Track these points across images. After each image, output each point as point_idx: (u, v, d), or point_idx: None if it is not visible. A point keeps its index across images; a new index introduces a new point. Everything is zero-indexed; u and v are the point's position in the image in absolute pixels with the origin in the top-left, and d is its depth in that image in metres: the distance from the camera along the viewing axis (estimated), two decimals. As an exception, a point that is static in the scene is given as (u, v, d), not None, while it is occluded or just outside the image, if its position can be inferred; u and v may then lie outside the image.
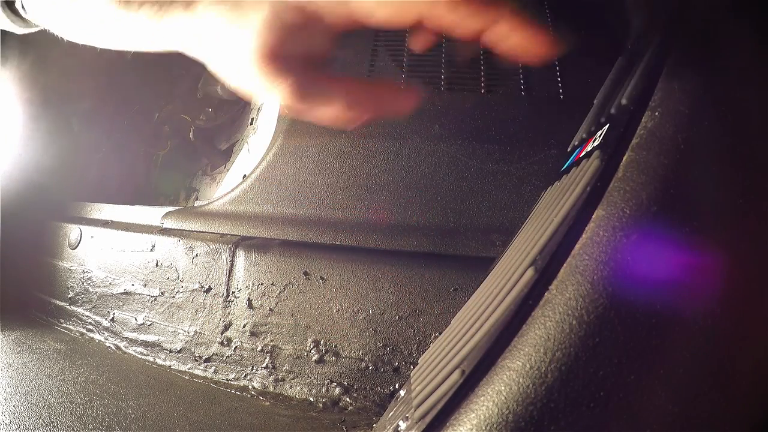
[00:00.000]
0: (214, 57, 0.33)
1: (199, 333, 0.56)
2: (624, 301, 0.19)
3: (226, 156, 0.82)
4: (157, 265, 0.60)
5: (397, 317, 0.47)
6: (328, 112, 0.31)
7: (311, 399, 0.49)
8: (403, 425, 0.24)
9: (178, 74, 0.90)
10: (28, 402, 0.45)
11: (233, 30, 0.31)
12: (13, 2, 0.41)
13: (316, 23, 0.30)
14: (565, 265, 0.20)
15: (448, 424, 0.20)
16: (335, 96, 0.30)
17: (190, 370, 0.55)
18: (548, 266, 0.21)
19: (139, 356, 0.59)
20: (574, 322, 0.19)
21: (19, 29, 0.45)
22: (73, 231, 0.72)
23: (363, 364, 0.48)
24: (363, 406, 0.47)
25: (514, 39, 0.27)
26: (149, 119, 0.92)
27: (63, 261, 0.72)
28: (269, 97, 0.32)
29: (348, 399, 0.47)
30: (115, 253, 0.65)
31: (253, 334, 0.52)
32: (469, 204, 0.46)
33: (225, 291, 0.55)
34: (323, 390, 0.48)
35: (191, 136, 0.85)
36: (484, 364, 0.21)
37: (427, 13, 0.27)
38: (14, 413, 0.42)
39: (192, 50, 0.34)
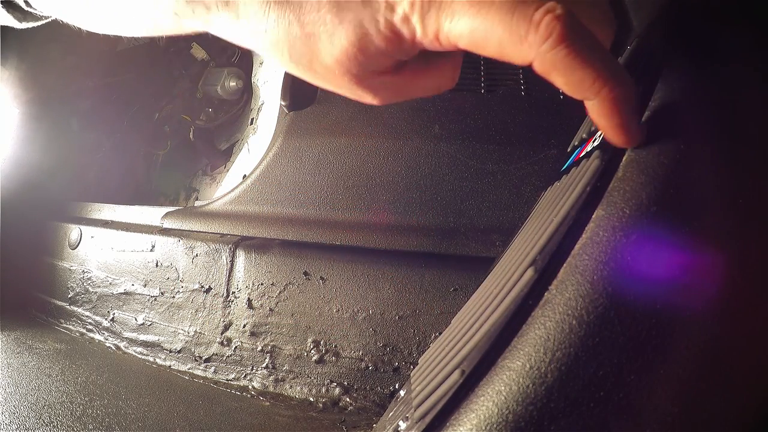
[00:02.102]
0: (269, 55, 0.31)
1: (199, 333, 0.56)
2: (624, 301, 0.19)
3: (226, 156, 0.83)
4: (157, 265, 0.60)
5: (397, 317, 0.47)
6: (424, 96, 0.31)
7: (311, 399, 0.49)
8: (403, 425, 0.24)
9: (178, 74, 0.90)
10: (28, 402, 0.45)
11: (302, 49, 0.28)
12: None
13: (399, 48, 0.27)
14: (565, 265, 0.20)
15: (448, 424, 0.20)
16: (422, 90, 0.31)
17: (190, 370, 0.55)
18: (548, 266, 0.21)
19: (139, 356, 0.59)
20: (574, 322, 0.19)
21: (18, 24, 0.44)
22: (73, 231, 0.72)
23: (363, 364, 0.48)
24: (363, 406, 0.47)
25: None
26: (149, 119, 0.92)
27: (63, 261, 0.72)
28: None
29: (348, 399, 0.47)
30: (115, 253, 0.65)
31: (253, 334, 0.53)
32: (469, 204, 0.46)
33: (225, 291, 0.55)
34: (323, 390, 0.48)
35: (191, 136, 0.85)
36: (484, 364, 0.21)
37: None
38: (14, 413, 0.42)
39: (240, 43, 0.31)
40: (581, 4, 0.25)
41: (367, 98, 0.31)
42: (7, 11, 0.41)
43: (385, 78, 0.29)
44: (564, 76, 0.22)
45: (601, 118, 0.22)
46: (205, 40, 0.87)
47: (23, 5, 0.41)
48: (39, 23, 0.44)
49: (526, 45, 0.22)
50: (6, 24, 0.43)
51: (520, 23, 0.21)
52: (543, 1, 0.21)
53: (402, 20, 0.25)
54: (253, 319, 0.53)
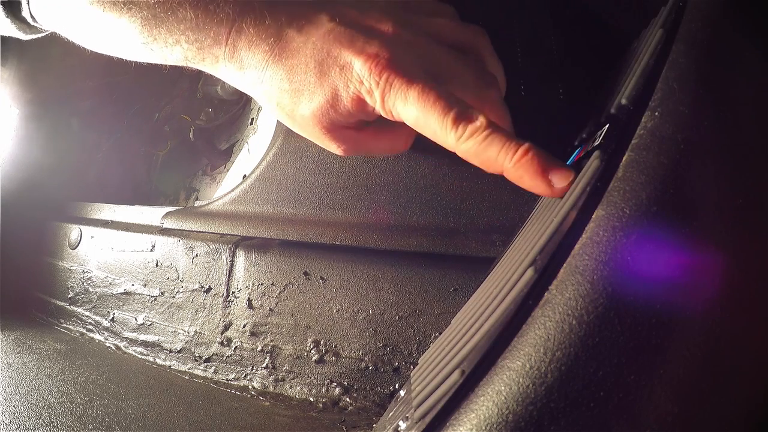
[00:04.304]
0: (260, 101, 0.38)
1: (199, 333, 0.56)
2: (624, 301, 0.19)
3: (226, 156, 0.83)
4: (157, 265, 0.60)
5: (397, 317, 0.47)
6: (380, 154, 0.40)
7: (311, 399, 0.49)
8: (403, 425, 0.24)
9: (178, 74, 0.90)
10: (28, 402, 0.45)
11: (288, 98, 0.35)
12: (20, 10, 0.41)
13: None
14: (565, 265, 0.20)
15: (448, 424, 0.20)
16: (380, 148, 0.39)
17: (190, 370, 0.55)
18: (548, 266, 0.21)
19: (139, 356, 0.59)
20: (574, 322, 0.19)
21: (25, 36, 0.45)
22: (73, 231, 0.72)
23: (363, 364, 0.48)
24: (363, 406, 0.47)
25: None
26: (149, 119, 0.92)
27: (63, 261, 0.72)
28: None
29: (348, 399, 0.47)
30: (115, 253, 0.65)
31: (253, 334, 0.53)
32: (469, 204, 0.46)
33: (225, 291, 0.55)
34: (323, 390, 0.48)
35: (191, 136, 0.85)
36: (484, 364, 0.21)
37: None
38: (14, 413, 0.42)
39: (239, 88, 0.37)
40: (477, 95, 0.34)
41: (333, 147, 0.37)
42: (13, 23, 0.42)
43: (350, 133, 0.36)
44: (476, 160, 0.30)
45: (520, 180, 0.29)
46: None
47: (30, 20, 0.41)
48: (42, 35, 0.45)
49: (450, 138, 0.30)
50: (12, 35, 0.44)
51: (447, 124, 0.30)
52: (466, 109, 0.30)
53: (367, 92, 0.33)
54: (253, 319, 0.53)
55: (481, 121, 0.30)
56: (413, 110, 0.31)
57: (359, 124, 0.36)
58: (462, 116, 0.30)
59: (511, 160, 0.28)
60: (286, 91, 0.35)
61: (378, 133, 0.38)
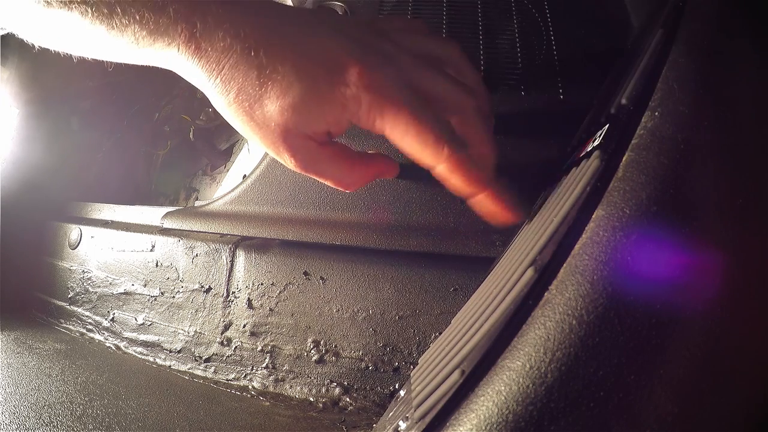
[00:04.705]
0: (216, 102, 0.33)
1: (199, 333, 0.56)
2: (624, 301, 0.19)
3: (226, 156, 0.83)
4: (157, 265, 0.60)
5: (397, 317, 0.47)
6: (327, 182, 0.36)
7: (311, 399, 0.49)
8: (403, 425, 0.24)
9: (178, 74, 0.90)
10: (28, 402, 0.45)
11: (251, 92, 0.31)
12: None
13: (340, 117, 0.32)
14: (565, 265, 0.20)
15: (448, 424, 0.20)
16: (332, 174, 0.35)
17: (190, 370, 0.55)
18: (548, 266, 0.21)
19: (139, 356, 0.59)
20: (574, 322, 0.19)
21: None
22: (73, 231, 0.72)
23: (363, 364, 0.48)
24: (363, 406, 0.47)
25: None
26: (149, 119, 0.92)
27: (63, 261, 0.72)
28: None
29: (348, 399, 0.47)
30: (115, 253, 0.65)
31: (253, 334, 0.53)
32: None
33: (225, 291, 0.55)
34: (323, 390, 0.48)
35: (191, 136, 0.85)
36: (484, 364, 0.21)
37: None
38: (14, 413, 0.42)
39: (191, 80, 0.33)
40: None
41: (284, 156, 0.33)
42: None
43: (310, 143, 0.33)
44: (451, 180, 0.33)
45: (484, 209, 0.34)
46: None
47: None
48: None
49: (431, 160, 0.32)
50: None
51: (431, 151, 0.32)
52: (445, 139, 0.32)
53: (353, 98, 0.31)
54: (253, 319, 0.53)
55: (456, 156, 0.32)
56: (401, 131, 0.31)
57: (323, 138, 0.33)
58: (444, 151, 0.32)
59: (486, 192, 0.34)
60: (254, 81, 0.30)
61: (339, 155, 0.35)
